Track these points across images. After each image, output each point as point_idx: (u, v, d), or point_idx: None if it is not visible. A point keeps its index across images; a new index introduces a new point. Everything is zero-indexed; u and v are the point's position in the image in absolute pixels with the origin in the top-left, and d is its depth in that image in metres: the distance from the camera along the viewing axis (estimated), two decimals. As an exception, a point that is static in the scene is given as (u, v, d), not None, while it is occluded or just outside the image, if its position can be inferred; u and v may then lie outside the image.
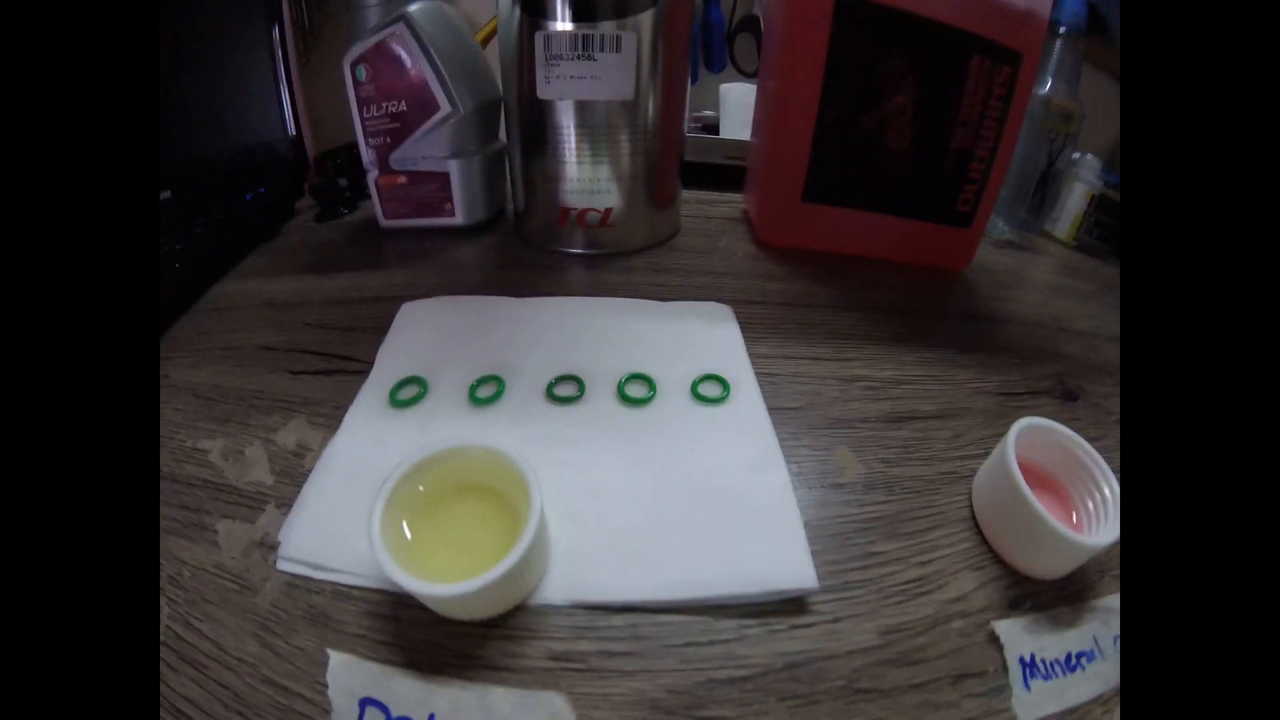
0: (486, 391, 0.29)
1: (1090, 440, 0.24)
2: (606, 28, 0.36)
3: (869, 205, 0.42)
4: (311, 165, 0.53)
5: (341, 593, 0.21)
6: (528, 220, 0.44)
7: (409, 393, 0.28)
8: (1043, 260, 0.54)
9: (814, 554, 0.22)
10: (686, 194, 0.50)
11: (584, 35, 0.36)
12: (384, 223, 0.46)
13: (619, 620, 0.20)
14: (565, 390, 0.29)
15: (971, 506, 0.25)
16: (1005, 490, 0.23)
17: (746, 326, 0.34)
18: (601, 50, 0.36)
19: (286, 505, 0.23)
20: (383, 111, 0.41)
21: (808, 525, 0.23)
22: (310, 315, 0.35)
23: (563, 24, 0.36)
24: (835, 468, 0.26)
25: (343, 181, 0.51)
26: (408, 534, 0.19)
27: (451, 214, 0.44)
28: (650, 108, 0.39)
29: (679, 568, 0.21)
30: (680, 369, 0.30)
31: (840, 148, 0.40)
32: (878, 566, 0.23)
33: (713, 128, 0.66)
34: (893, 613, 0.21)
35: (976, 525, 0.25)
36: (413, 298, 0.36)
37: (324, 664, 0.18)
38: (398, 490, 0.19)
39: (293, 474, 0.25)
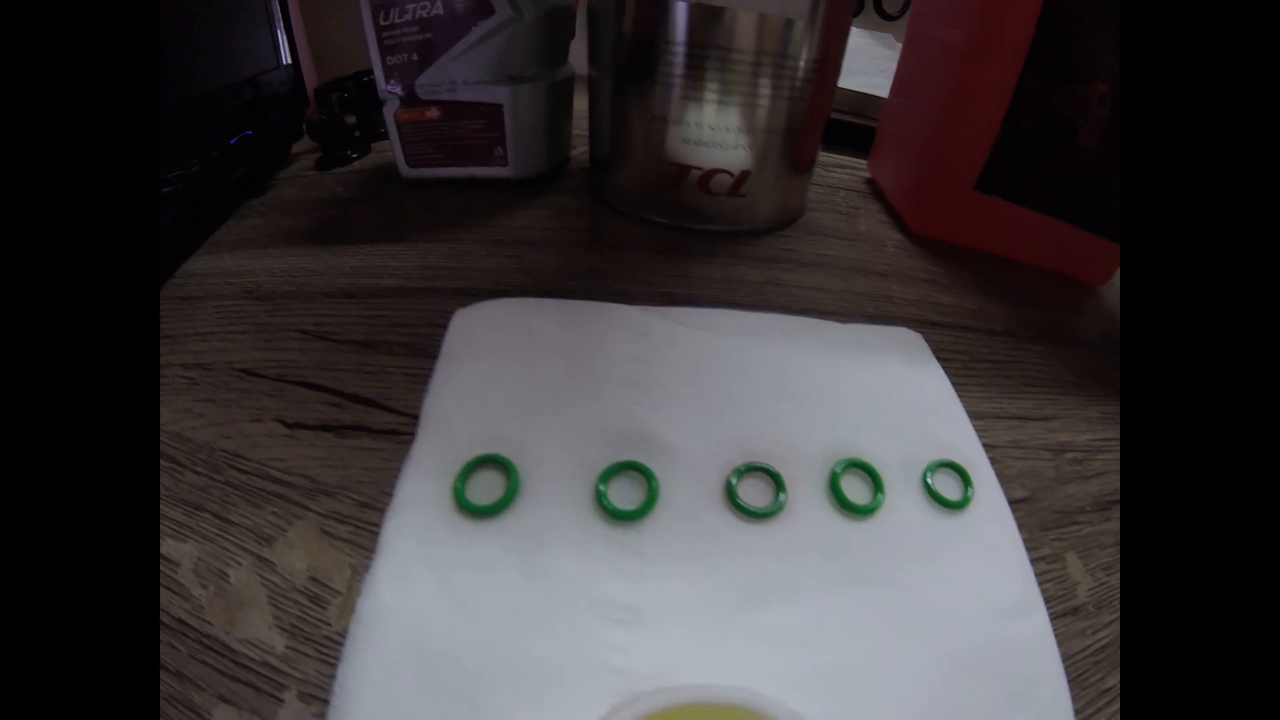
0: (629, 495, 0.17)
1: None
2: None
3: (1041, 205, 0.34)
4: (311, 100, 0.40)
5: None
6: (614, 175, 0.33)
7: (489, 488, 0.17)
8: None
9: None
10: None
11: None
12: (406, 171, 0.34)
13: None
14: (755, 492, 0.18)
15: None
16: None
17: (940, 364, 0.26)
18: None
19: (315, 697, 0.14)
20: (408, 17, 0.29)
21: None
22: (309, 315, 0.24)
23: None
24: (1069, 586, 0.21)
25: (350, 119, 0.40)
26: None
27: (502, 162, 0.33)
28: (815, 34, 0.28)
29: None
30: (899, 448, 0.21)
31: (1033, 131, 0.31)
32: (1109, 705, 0.18)
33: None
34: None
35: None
36: (461, 290, 0.25)
37: None
38: None
39: (311, 634, 0.15)
